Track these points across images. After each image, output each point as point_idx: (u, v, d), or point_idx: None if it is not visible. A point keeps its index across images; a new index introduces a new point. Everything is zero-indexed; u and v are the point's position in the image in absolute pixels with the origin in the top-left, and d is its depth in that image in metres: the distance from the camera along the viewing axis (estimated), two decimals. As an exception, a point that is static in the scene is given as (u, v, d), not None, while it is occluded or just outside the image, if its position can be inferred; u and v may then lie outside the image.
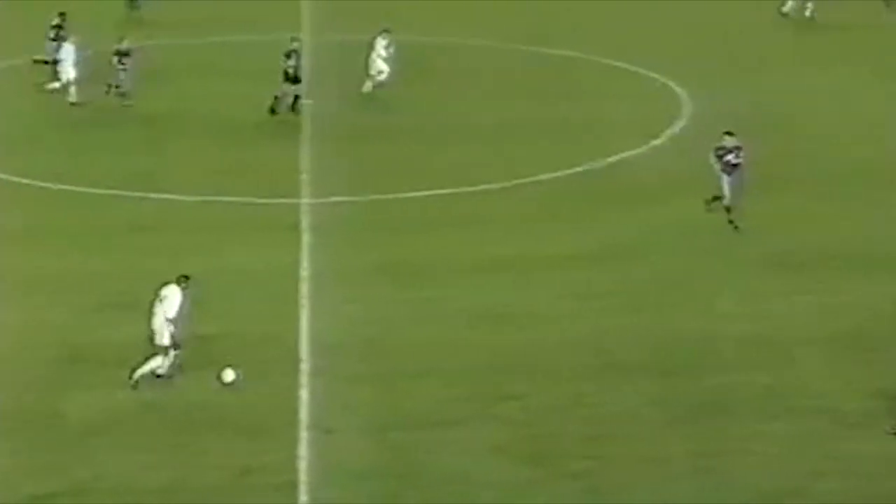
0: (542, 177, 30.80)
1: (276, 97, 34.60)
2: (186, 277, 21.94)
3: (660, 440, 20.31)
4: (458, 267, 26.19)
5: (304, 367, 22.39)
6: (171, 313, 21.67)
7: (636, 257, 26.57)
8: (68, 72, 35.17)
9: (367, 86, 35.63)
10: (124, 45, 35.44)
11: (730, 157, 27.15)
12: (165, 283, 21.88)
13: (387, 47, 35.39)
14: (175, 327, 21.66)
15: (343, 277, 25.66)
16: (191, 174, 31.30)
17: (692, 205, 28.79)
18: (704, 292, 25.06)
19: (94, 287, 25.32)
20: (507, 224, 28.38)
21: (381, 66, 35.46)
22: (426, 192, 30.04)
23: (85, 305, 24.59)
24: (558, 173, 31.01)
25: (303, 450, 20.07)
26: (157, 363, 21.71)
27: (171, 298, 21.74)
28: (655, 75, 37.77)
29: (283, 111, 34.48)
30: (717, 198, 27.48)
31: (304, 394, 21.58)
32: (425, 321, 24.00)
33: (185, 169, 31.69)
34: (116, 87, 35.21)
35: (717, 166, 27.30)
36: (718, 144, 27.45)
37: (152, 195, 30.00)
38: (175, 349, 21.75)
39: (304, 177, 30.82)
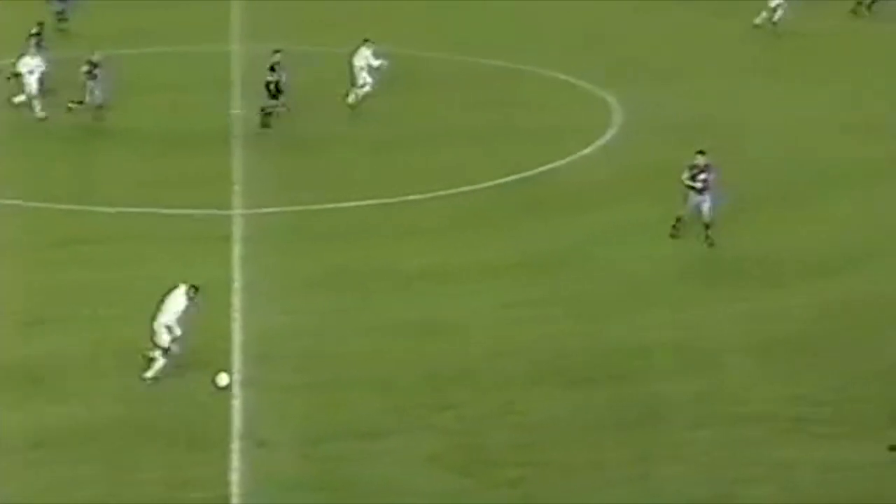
0: (475, 186, 30.88)
1: (262, 109, 34.22)
2: (196, 288, 22.11)
3: (593, 448, 20.44)
4: (391, 277, 26.19)
5: (237, 378, 22.28)
6: (170, 319, 21.87)
7: (568, 266, 26.71)
8: (31, 85, 34.77)
9: (352, 97, 35.52)
10: (96, 57, 34.92)
11: (703, 175, 27.17)
12: (173, 289, 22.08)
13: (371, 58, 35.39)
14: (170, 333, 21.79)
15: (275, 288, 25.57)
16: (122, 186, 31.04)
17: (623, 212, 29.03)
18: (636, 300, 25.23)
19: (24, 301, 25.02)
20: (440, 233, 28.42)
21: (365, 77, 35.46)
22: (359, 203, 30.02)
23: (15, 320, 24.28)
24: (491, 182, 31.11)
25: (235, 462, 19.97)
26: (160, 361, 21.91)
27: (173, 304, 21.92)
28: (586, 84, 38.01)
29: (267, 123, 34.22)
30: (680, 219, 27.43)
31: (236, 405, 21.48)
32: (358, 332, 23.97)
33: (116, 181, 31.42)
34: (79, 102, 34.53)
35: (696, 185, 27.22)
36: (691, 163, 27.42)
37: (83, 207, 29.73)
38: (166, 354, 21.83)
39: (237, 188, 30.69)
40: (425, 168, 32.09)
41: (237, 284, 25.64)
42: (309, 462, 20.14)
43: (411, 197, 30.33)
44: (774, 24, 43.24)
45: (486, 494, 19.46)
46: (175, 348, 21.96)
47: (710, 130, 33.96)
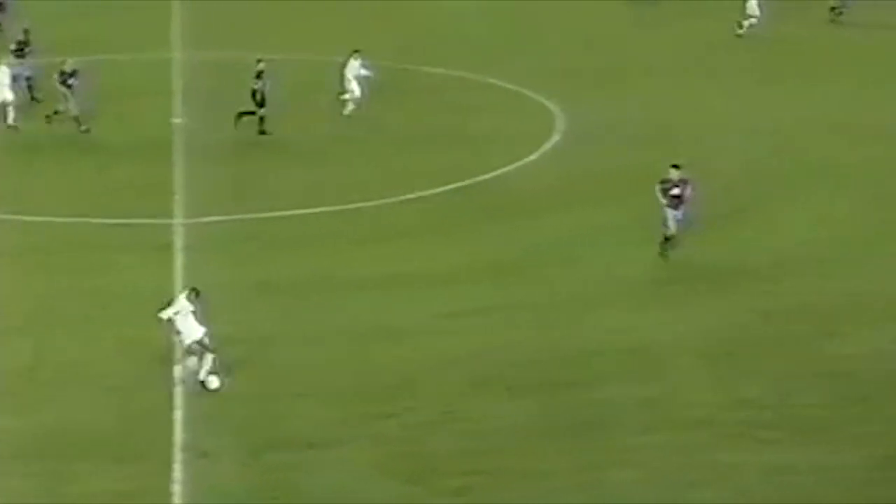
0: (421, 193, 30.76)
1: (246, 114, 33.95)
2: (196, 291, 22.13)
3: (540, 455, 20.31)
4: (336, 285, 25.98)
5: (179, 389, 21.99)
6: (166, 315, 22.03)
7: (516, 273, 26.59)
8: (4, 94, 34.18)
9: (349, 108, 35.53)
10: (69, 67, 34.38)
11: (675, 190, 26.58)
12: (174, 302, 22.25)
13: (360, 68, 35.40)
14: (193, 341, 21.94)
15: (218, 297, 25.17)
16: (62, 195, 30.69)
17: (570, 219, 29.00)
18: (584, 307, 25.14)
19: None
20: (386, 241, 28.25)
21: (354, 87, 35.36)
22: (303, 211, 29.80)
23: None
24: (437, 190, 31.00)
25: (178, 473, 19.68)
26: (207, 361, 21.93)
27: (175, 304, 22.11)
28: (529, 92, 38.02)
29: (265, 130, 33.99)
30: (668, 239, 26.77)
31: (178, 416, 21.18)
32: (302, 340, 23.73)
33: (57, 190, 31.06)
34: (56, 112, 34.03)
35: (664, 201, 26.67)
36: (664, 178, 26.82)
37: (23, 217, 29.31)
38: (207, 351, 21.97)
39: (178, 196, 30.37)
40: (372, 176, 31.91)
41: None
42: (252, 472, 19.89)
43: (358, 205, 30.13)
44: (739, 35, 43.39)
45: (433, 502, 19.26)
46: (199, 348, 22.06)
47: (653, 135, 34.14)
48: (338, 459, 20.16)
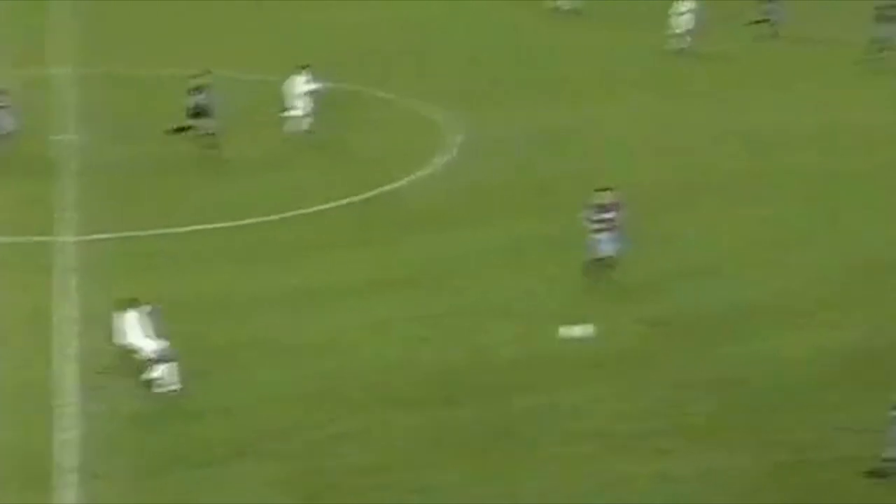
0: (318, 207, 30.58)
1: (182, 128, 33.45)
2: (132, 303, 22.47)
3: (439, 468, 20.28)
4: (233, 301, 25.68)
5: (69, 410, 21.56)
6: (116, 340, 22.55)
7: (416, 286, 26.51)
8: None
9: (302, 125, 35.05)
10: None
11: (608, 213, 26.00)
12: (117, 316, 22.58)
13: (306, 83, 34.87)
14: (143, 351, 22.21)
15: (107, 317, 24.77)
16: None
17: (469, 232, 29.02)
18: (485, 319, 25.10)
19: None
20: (285, 256, 28.01)
21: (297, 103, 34.91)
22: (197, 227, 29.44)
23: None
24: (332, 204, 30.85)
25: (69, 497, 19.27)
26: (157, 370, 22.07)
27: (127, 326, 22.47)
28: (424, 106, 38.03)
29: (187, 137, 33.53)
30: (599, 259, 26.24)
31: (70, 437, 20.75)
32: (199, 358, 23.36)
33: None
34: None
35: (591, 225, 25.99)
36: (595, 202, 26.07)
37: None
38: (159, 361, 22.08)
39: (63, 214, 29.81)
40: (267, 191, 31.62)
41: (67, 314, 24.82)
42: (147, 492, 19.57)
43: (256, 219, 29.83)
44: (682, 49, 43.31)
45: (334, 519, 19.16)
46: (158, 356, 22.10)
47: (544, 150, 34.37)
48: (236, 477, 19.90)
